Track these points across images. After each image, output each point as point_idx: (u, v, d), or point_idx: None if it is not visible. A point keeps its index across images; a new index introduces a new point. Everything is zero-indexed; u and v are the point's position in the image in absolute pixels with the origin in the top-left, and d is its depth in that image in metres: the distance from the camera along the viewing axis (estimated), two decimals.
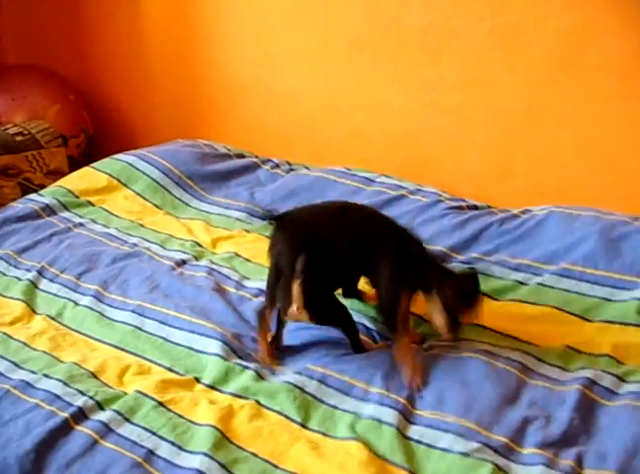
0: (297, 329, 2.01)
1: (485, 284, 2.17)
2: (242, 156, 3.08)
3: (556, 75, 2.55)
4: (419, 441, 1.63)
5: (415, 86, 2.84)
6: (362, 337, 1.97)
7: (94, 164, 2.95)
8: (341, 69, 3.02)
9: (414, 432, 1.65)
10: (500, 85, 2.67)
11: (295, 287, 1.79)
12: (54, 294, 2.21)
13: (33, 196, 2.79)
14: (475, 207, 2.60)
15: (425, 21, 2.75)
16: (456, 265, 2.29)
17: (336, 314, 1.92)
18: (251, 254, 2.41)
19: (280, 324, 1.97)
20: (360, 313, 2.09)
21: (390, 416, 1.67)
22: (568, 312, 2.09)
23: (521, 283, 2.21)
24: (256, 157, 3.07)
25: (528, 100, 2.63)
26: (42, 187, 2.93)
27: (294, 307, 1.81)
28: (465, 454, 1.56)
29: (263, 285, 2.15)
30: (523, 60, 2.59)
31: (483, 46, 2.66)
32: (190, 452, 1.57)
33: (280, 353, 1.96)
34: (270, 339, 1.97)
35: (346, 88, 3.03)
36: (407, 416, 1.69)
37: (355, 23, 2.92)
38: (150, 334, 2.01)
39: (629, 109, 2.48)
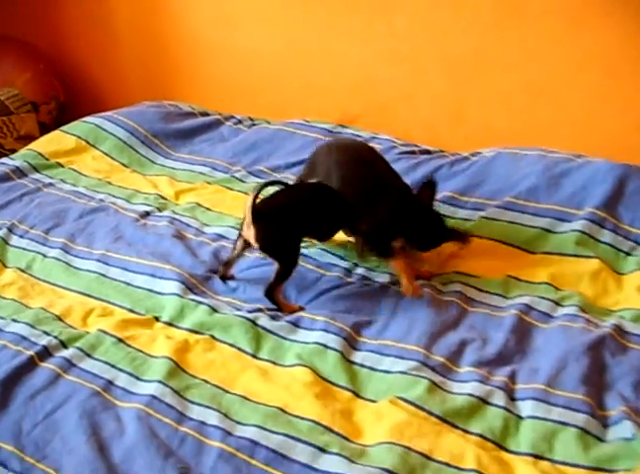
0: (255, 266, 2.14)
1: None
2: (206, 114, 3.16)
3: (502, 21, 2.64)
4: (362, 365, 1.76)
5: (368, 38, 2.92)
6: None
7: (63, 127, 3.03)
8: (298, 25, 3.10)
9: (357, 356, 1.78)
10: (448, 33, 2.75)
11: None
12: (24, 249, 2.30)
13: (4, 159, 2.87)
14: (428, 152, 2.70)
15: None
16: None
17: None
18: (212, 203, 2.52)
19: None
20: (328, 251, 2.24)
21: (335, 342, 1.79)
22: (510, 244, 2.21)
23: (467, 220, 2.33)
24: (219, 114, 3.16)
25: (476, 46, 2.71)
26: (14, 151, 3.00)
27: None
28: (404, 373, 1.69)
29: (221, 231, 2.32)
30: (469, 7, 2.68)
31: None
32: (145, 381, 1.69)
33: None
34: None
35: (303, 44, 3.11)
36: (351, 342, 1.81)
37: None
38: (113, 279, 2.11)
39: (574, 51, 2.57)
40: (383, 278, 2.10)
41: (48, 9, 3.81)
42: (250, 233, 1.96)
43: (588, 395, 1.60)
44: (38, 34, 3.83)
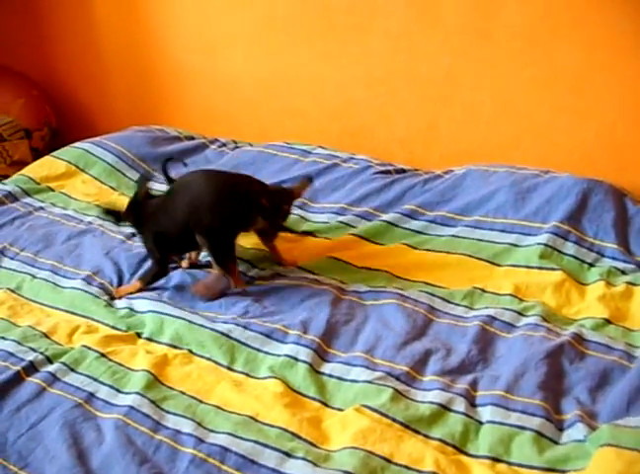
0: None
1: (405, 238, 2.43)
2: (192, 138, 3.26)
3: (470, 43, 2.73)
4: (330, 375, 1.84)
5: (344, 62, 3.01)
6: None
7: (53, 153, 3.13)
8: (277, 51, 3.19)
9: (326, 367, 1.86)
10: (420, 55, 2.84)
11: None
12: (14, 270, 2.39)
13: None
14: (403, 171, 2.80)
15: (348, 0, 2.92)
16: (378, 223, 2.51)
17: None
18: None
19: None
20: None
21: (305, 354, 1.87)
22: (478, 258, 2.30)
23: (438, 236, 2.43)
24: (204, 138, 3.26)
25: (447, 67, 2.80)
26: (6, 177, 3.09)
27: None
28: (369, 382, 1.77)
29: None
30: (440, 31, 2.76)
31: (402, 20, 2.83)
32: (125, 393, 1.77)
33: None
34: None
35: (282, 68, 3.19)
36: (321, 354, 1.89)
37: (286, 6, 3.09)
38: (96, 297, 2.21)
39: (536, 72, 2.65)
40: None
41: (41, 38, 3.91)
42: None
43: (544, 400, 1.67)
44: (30, 62, 3.93)
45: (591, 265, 2.25)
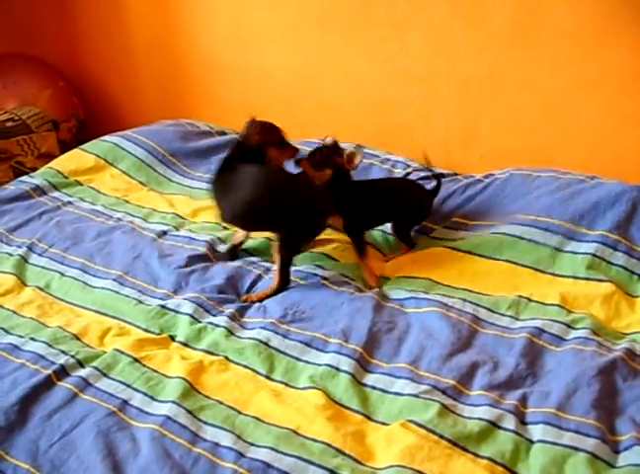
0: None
1: (446, 244, 2.35)
2: (223, 133, 3.19)
3: (515, 42, 2.66)
4: (373, 387, 1.77)
5: (382, 58, 2.95)
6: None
7: (82, 146, 3.07)
8: (312, 45, 3.13)
9: (369, 379, 1.79)
10: (462, 53, 2.77)
11: None
12: (43, 267, 2.34)
13: (24, 178, 2.93)
14: (442, 176, 2.70)
15: None
16: (416, 236, 2.46)
17: None
18: None
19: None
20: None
21: (347, 364, 1.81)
22: (522, 265, 2.22)
23: (477, 237, 2.35)
24: (236, 133, 3.16)
25: (489, 67, 2.73)
26: (34, 169, 3.05)
27: None
28: (415, 396, 1.70)
29: None
30: (483, 29, 2.70)
31: (444, 17, 2.76)
32: (160, 401, 1.71)
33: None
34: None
35: (318, 63, 3.13)
36: (363, 364, 1.82)
37: (323, 0, 3.03)
38: (127, 296, 2.15)
39: (583, 72, 2.59)
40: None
41: (68, 28, 3.87)
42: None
43: (598, 420, 1.60)
44: (57, 53, 3.89)
45: None
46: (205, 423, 1.65)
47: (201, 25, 3.41)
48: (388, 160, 2.82)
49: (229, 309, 2.07)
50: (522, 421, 1.64)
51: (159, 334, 2.00)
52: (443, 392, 1.72)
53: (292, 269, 2.21)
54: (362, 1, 2.92)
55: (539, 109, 2.70)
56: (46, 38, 3.93)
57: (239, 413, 1.69)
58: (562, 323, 1.96)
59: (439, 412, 1.65)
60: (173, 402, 1.69)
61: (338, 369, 1.80)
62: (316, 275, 2.25)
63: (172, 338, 1.99)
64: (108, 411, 1.68)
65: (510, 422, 1.62)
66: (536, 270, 2.20)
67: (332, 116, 3.15)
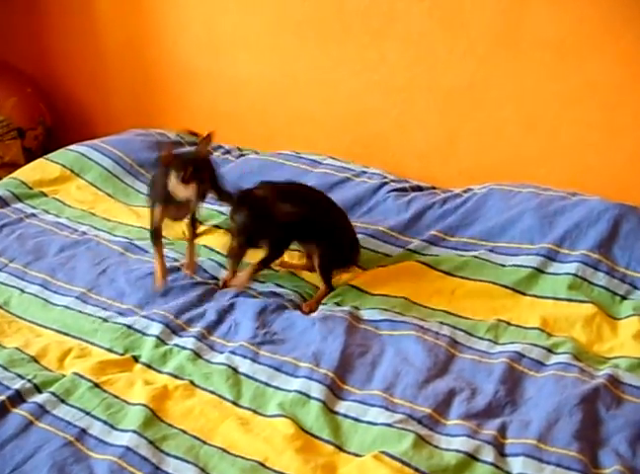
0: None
1: (423, 260, 2.28)
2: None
3: (495, 53, 2.58)
4: (345, 415, 1.69)
5: (360, 67, 2.87)
6: None
7: (48, 155, 2.97)
8: (288, 54, 3.04)
9: (341, 406, 1.71)
10: (441, 64, 2.69)
11: None
12: (2, 283, 2.24)
13: None
14: (419, 188, 2.65)
15: (366, 2, 2.77)
16: (398, 250, 2.37)
17: None
18: (203, 241, 2.45)
19: None
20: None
21: (318, 390, 1.72)
22: (502, 285, 2.15)
23: (458, 258, 2.27)
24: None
25: (470, 78, 2.66)
26: None
27: None
28: (389, 425, 1.62)
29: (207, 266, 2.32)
30: (463, 39, 2.62)
31: (423, 26, 2.68)
32: (121, 430, 1.62)
33: None
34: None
35: (293, 72, 3.05)
36: (335, 391, 1.74)
37: (299, 7, 2.94)
38: (90, 315, 2.06)
39: (566, 86, 2.51)
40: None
41: (36, 31, 3.75)
42: None
43: (581, 452, 1.53)
44: (24, 57, 3.76)
45: (623, 297, 2.10)
46: (168, 454, 1.56)
47: (174, 30, 3.32)
48: (364, 173, 2.74)
49: (197, 328, 1.98)
50: (502, 452, 1.56)
51: (122, 354, 1.91)
52: (419, 421, 1.64)
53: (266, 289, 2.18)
54: (340, 9, 2.84)
55: (521, 122, 2.63)
56: (13, 40, 3.80)
57: (204, 443, 1.60)
58: (542, 347, 1.89)
59: (414, 443, 1.57)
60: (134, 431, 1.60)
61: (308, 396, 1.71)
62: (279, 295, 2.18)
63: (135, 359, 1.90)
64: (64, 441, 1.59)
65: (488, 454, 1.54)
66: (516, 291, 2.13)
67: (307, 126, 3.07)
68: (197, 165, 2.07)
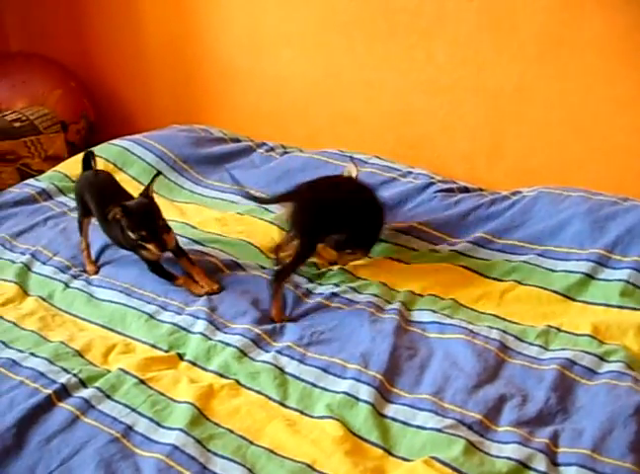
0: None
1: (470, 263, 2.24)
2: (237, 140, 3.09)
3: (545, 55, 2.54)
4: (394, 419, 1.66)
5: (406, 67, 2.83)
6: None
7: (91, 149, 2.95)
8: (333, 52, 3.01)
9: (389, 409, 1.68)
10: (489, 65, 2.66)
11: None
12: (46, 276, 2.24)
13: (30, 180, 2.84)
14: (466, 190, 2.61)
15: (415, 1, 2.73)
16: (443, 247, 2.33)
17: None
18: (243, 235, 2.44)
19: None
20: None
21: (366, 393, 1.69)
22: (552, 291, 2.10)
23: (507, 262, 2.23)
24: (251, 141, 3.08)
25: (518, 80, 2.62)
26: (41, 172, 2.95)
27: None
28: (438, 431, 1.59)
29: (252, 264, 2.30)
30: (513, 40, 2.58)
31: (472, 27, 2.65)
32: (167, 428, 1.61)
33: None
34: None
35: (338, 71, 3.02)
36: (384, 394, 1.71)
37: (346, 6, 2.91)
38: (136, 310, 2.05)
39: (618, 89, 2.46)
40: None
41: (81, 28, 3.77)
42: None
43: (637, 464, 1.49)
44: (70, 52, 3.79)
45: None
46: (215, 454, 1.54)
47: (217, 28, 3.31)
48: (410, 173, 2.71)
49: (243, 325, 1.97)
50: (554, 461, 1.52)
51: (167, 351, 1.90)
52: (469, 427, 1.60)
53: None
54: (387, 7, 2.80)
55: (569, 125, 2.58)
56: (60, 37, 3.83)
57: (251, 443, 1.58)
58: (594, 355, 1.84)
59: (464, 449, 1.53)
60: (181, 430, 1.59)
61: (357, 398, 1.69)
62: (336, 294, 2.14)
63: (180, 356, 1.88)
64: (111, 437, 1.58)
65: (540, 462, 1.51)
66: (566, 297, 2.09)
67: (351, 126, 3.04)
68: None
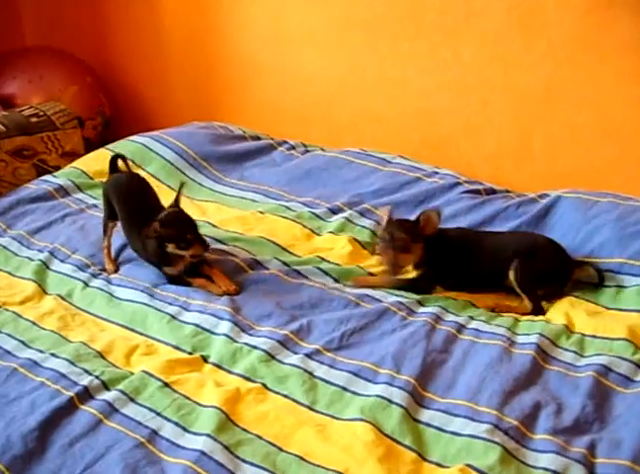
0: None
1: None
2: (257, 138, 3.05)
3: (575, 56, 2.51)
4: (428, 424, 1.61)
5: (432, 66, 2.80)
6: None
7: (109, 145, 2.93)
8: (357, 50, 2.98)
9: (423, 414, 1.63)
10: (518, 65, 2.62)
11: None
12: (65, 275, 2.20)
13: (47, 177, 2.79)
14: (493, 191, 2.57)
15: (441, 0, 2.70)
16: None
17: None
18: (265, 233, 2.40)
19: None
20: None
21: (400, 397, 1.65)
22: (584, 299, 2.06)
23: None
24: (271, 139, 3.05)
25: (547, 81, 2.58)
26: (58, 168, 2.91)
27: None
28: (474, 437, 1.54)
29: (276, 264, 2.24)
30: (542, 40, 2.55)
31: (501, 25, 2.61)
32: (193, 434, 1.56)
33: None
34: None
35: (362, 69, 2.99)
36: (417, 398, 1.66)
37: (370, 3, 2.88)
38: (158, 311, 2.00)
39: None
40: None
41: (99, 23, 3.75)
42: None
43: None
44: (86, 47, 3.76)
45: None
46: (244, 461, 1.49)
47: (238, 24, 3.27)
48: (436, 173, 2.67)
49: (269, 327, 1.92)
50: (592, 472, 1.47)
51: (190, 353, 1.84)
52: (505, 432, 1.55)
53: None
54: (413, 6, 2.77)
55: (598, 127, 2.55)
56: (76, 31, 3.80)
57: (280, 450, 1.53)
58: (630, 362, 1.79)
59: (501, 457, 1.49)
60: (208, 435, 1.53)
61: (390, 401, 1.63)
62: (367, 295, 2.09)
63: (204, 358, 1.83)
64: (136, 441, 1.53)
65: (578, 473, 1.45)
66: (598, 305, 2.05)
67: (374, 124, 3.01)
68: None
